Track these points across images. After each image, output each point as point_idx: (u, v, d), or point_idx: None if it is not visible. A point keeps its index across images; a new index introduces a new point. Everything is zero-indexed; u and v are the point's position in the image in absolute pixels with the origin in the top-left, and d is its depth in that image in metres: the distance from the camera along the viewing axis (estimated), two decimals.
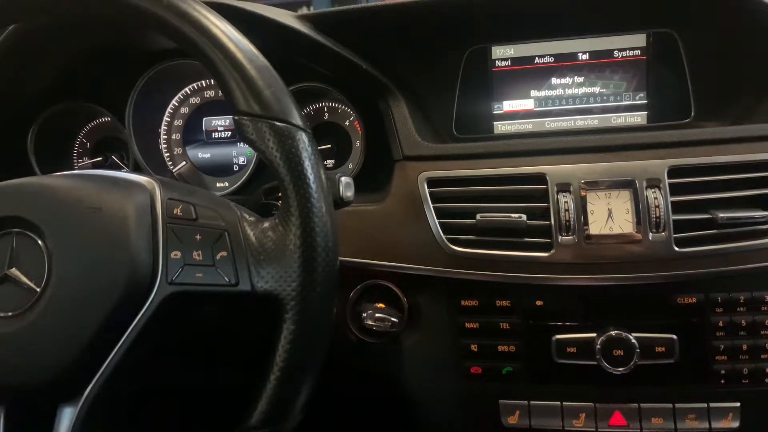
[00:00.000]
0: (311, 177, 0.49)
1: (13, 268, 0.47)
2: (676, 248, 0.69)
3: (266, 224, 0.50)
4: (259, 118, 0.49)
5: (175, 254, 0.48)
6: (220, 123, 0.96)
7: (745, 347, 0.71)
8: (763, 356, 0.71)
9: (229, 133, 0.95)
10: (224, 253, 0.49)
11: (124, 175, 0.54)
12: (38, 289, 0.46)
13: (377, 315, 0.76)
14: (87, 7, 0.56)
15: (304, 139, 0.50)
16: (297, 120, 0.51)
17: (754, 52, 0.78)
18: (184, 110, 0.96)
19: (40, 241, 0.47)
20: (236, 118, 0.50)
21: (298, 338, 0.47)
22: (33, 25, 0.76)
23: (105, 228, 0.47)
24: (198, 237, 0.49)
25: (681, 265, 0.69)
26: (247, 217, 0.52)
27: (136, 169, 0.93)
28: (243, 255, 0.49)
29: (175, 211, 0.50)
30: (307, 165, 0.49)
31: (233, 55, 0.50)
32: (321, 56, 0.81)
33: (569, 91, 0.85)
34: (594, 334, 0.72)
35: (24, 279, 0.46)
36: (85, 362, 0.45)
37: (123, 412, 0.51)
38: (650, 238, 0.69)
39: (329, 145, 0.92)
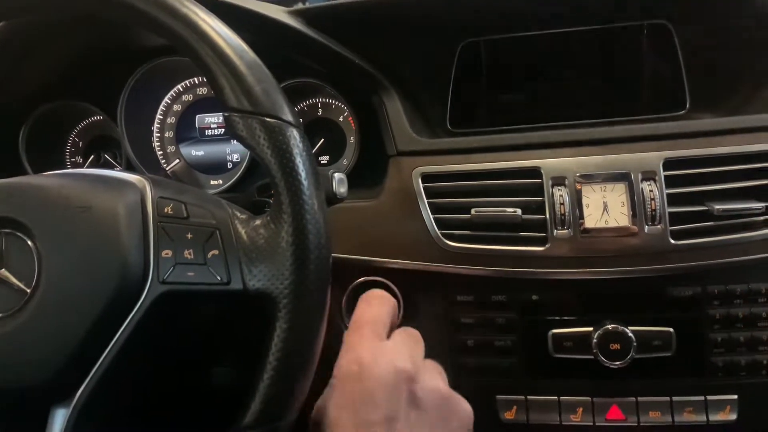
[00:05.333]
0: (303, 173, 0.49)
1: (3, 269, 0.46)
2: (672, 241, 0.68)
3: (258, 222, 0.50)
4: (250, 114, 0.49)
5: (167, 253, 0.47)
6: (213, 120, 0.95)
7: (742, 339, 0.71)
8: (760, 348, 0.71)
9: (222, 130, 0.95)
10: (216, 252, 0.48)
11: (115, 173, 0.54)
12: (28, 290, 0.45)
13: None
14: (75, 5, 0.55)
15: (295, 136, 0.50)
16: (288, 116, 0.50)
17: (749, 45, 0.78)
18: (176, 108, 0.95)
19: (29, 242, 0.46)
20: (226, 114, 0.49)
21: (291, 336, 0.46)
22: (21, 24, 0.75)
23: (95, 227, 0.47)
24: (189, 235, 0.48)
25: (677, 257, 0.69)
26: (239, 214, 0.51)
27: (129, 167, 0.93)
28: (235, 253, 0.49)
29: (166, 210, 0.49)
30: (299, 161, 0.49)
31: (223, 51, 0.49)
32: (313, 52, 0.80)
33: (563, 84, 0.84)
34: (590, 328, 0.71)
35: (14, 280, 0.46)
36: (77, 363, 0.45)
37: (116, 413, 0.50)
38: (646, 231, 0.69)
39: (323, 141, 0.91)
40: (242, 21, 0.72)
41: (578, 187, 0.70)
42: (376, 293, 0.62)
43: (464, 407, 0.56)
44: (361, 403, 0.50)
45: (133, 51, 0.89)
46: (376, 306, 0.60)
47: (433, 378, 0.56)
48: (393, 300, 0.62)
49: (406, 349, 0.56)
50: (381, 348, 0.55)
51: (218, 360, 0.59)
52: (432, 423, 0.52)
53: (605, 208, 0.70)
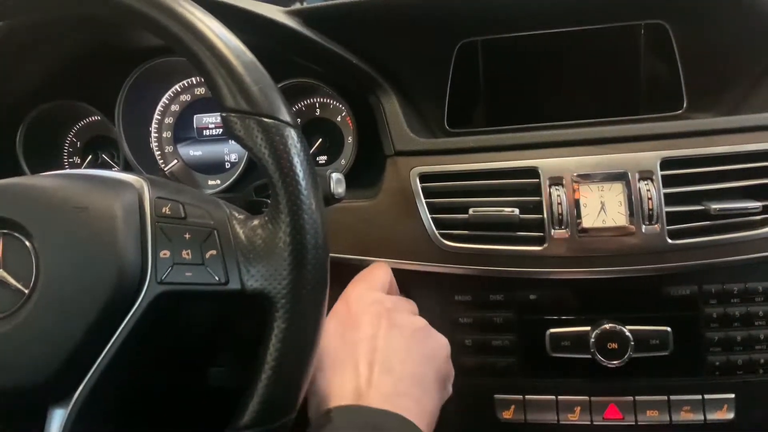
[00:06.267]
0: (300, 174, 0.49)
1: (0, 270, 0.46)
2: (669, 240, 0.68)
3: (255, 222, 0.50)
4: (247, 114, 0.49)
5: (164, 253, 0.47)
6: (211, 120, 0.95)
7: (739, 338, 0.71)
8: (757, 347, 0.71)
9: (220, 130, 0.95)
10: (213, 252, 0.48)
11: (112, 174, 0.54)
12: (26, 291, 0.45)
13: None
14: (72, 5, 0.55)
15: (293, 136, 0.50)
16: (286, 116, 0.50)
17: (746, 44, 0.78)
18: (174, 108, 0.95)
19: (27, 242, 0.46)
20: (224, 115, 0.49)
21: (289, 337, 0.46)
22: (19, 24, 0.75)
23: (92, 228, 0.47)
24: (187, 236, 0.48)
25: (674, 257, 0.69)
26: (237, 214, 0.51)
27: (127, 168, 0.93)
28: (232, 253, 0.49)
29: (163, 210, 0.49)
30: (296, 161, 0.49)
31: (220, 51, 0.49)
32: (311, 52, 0.80)
33: (561, 83, 0.85)
34: (588, 328, 0.72)
35: (11, 281, 0.46)
36: (75, 363, 0.45)
37: (114, 413, 0.50)
38: (643, 231, 0.69)
39: (321, 141, 0.91)
40: (239, 21, 0.72)
41: (575, 186, 0.70)
42: (380, 263, 0.73)
43: (440, 338, 0.65)
44: (348, 327, 0.60)
45: (131, 51, 0.89)
46: (376, 269, 0.71)
47: (414, 315, 0.66)
48: (391, 273, 0.71)
49: (394, 298, 0.66)
50: (369, 291, 0.66)
51: (216, 360, 0.59)
52: (408, 342, 0.60)
53: (602, 208, 0.70)
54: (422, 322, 0.65)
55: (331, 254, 0.51)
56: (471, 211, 0.72)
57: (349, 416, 0.51)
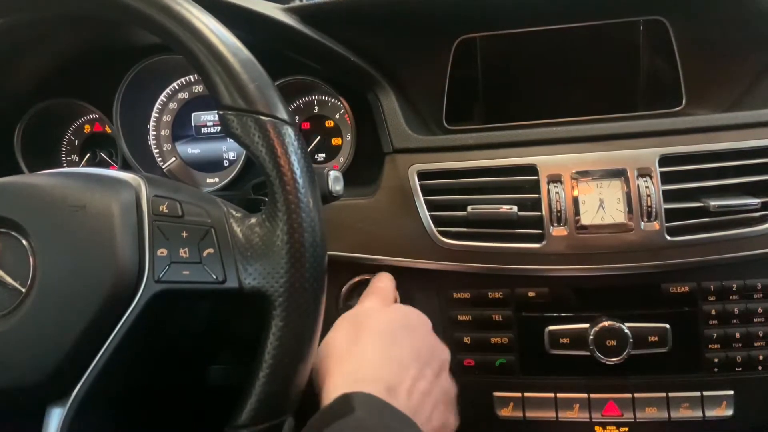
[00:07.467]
0: (298, 171, 0.49)
1: None
2: (668, 237, 0.68)
3: (253, 220, 0.50)
4: (244, 112, 0.49)
5: (162, 252, 0.47)
6: (209, 118, 0.95)
7: (737, 335, 0.71)
8: (755, 344, 0.71)
9: (219, 128, 0.95)
10: (211, 250, 0.48)
11: (109, 172, 0.54)
12: (23, 290, 0.45)
13: None
14: (69, 4, 0.55)
15: (290, 133, 0.50)
16: (283, 114, 0.50)
17: (745, 41, 0.78)
18: (172, 106, 0.95)
19: (24, 241, 0.46)
20: (221, 112, 0.49)
21: (287, 335, 0.46)
22: (15, 23, 0.75)
23: (90, 226, 0.47)
24: (184, 234, 0.48)
25: (673, 253, 0.69)
26: (234, 213, 0.51)
27: (125, 166, 0.92)
28: (230, 252, 0.49)
29: (160, 208, 0.49)
30: (294, 159, 0.49)
31: (216, 49, 0.49)
32: (308, 49, 0.80)
33: (559, 80, 0.84)
34: (587, 325, 0.72)
35: (8, 279, 0.46)
36: (72, 362, 0.45)
37: (112, 412, 0.50)
38: (642, 228, 0.69)
39: (319, 139, 0.91)
40: (237, 18, 0.72)
41: (574, 183, 0.70)
42: (385, 273, 0.74)
43: (419, 316, 0.65)
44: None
45: (129, 49, 0.88)
46: (385, 280, 0.72)
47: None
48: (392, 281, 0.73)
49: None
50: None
51: (214, 358, 0.59)
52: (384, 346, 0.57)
53: (601, 205, 0.70)
54: (395, 314, 0.63)
55: (329, 252, 0.51)
56: (469, 208, 0.72)
57: (371, 407, 0.47)
